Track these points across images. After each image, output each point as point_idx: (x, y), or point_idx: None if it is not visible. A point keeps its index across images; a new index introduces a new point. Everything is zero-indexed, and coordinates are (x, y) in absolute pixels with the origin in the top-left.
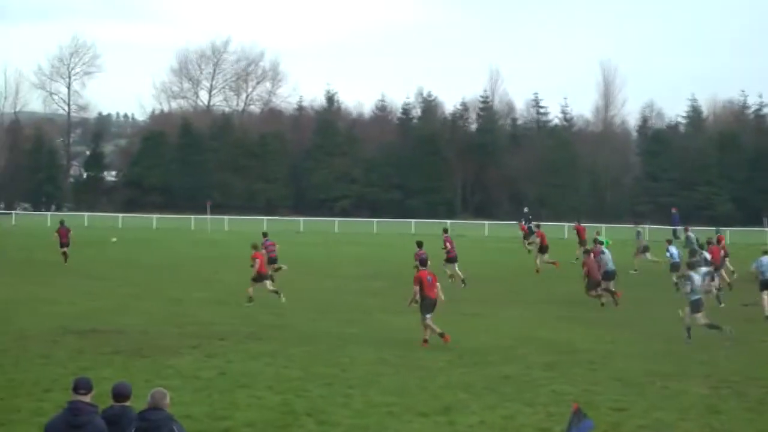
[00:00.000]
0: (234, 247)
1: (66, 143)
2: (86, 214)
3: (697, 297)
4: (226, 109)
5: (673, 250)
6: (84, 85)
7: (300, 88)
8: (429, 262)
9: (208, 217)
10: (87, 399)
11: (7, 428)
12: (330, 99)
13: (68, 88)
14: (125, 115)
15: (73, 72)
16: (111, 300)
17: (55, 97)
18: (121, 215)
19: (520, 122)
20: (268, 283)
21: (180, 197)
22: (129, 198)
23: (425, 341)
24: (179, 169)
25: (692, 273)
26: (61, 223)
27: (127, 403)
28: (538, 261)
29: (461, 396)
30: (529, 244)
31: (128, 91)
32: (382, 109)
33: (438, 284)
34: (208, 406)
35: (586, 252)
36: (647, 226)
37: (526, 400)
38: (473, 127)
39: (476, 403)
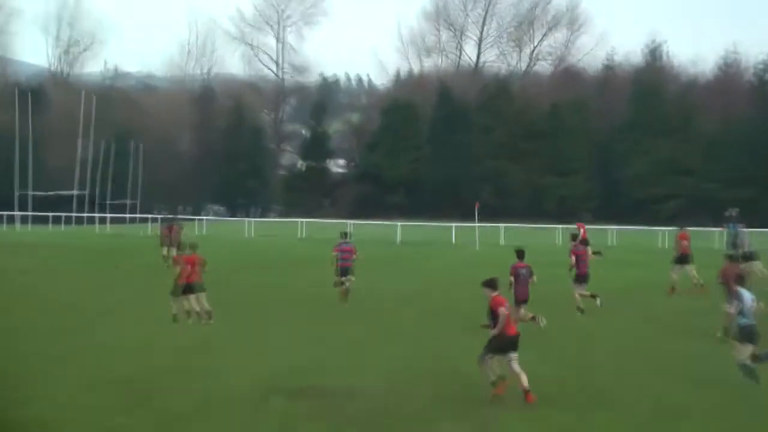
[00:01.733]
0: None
1: (276, 120)
2: (301, 220)
3: (747, 322)
4: (502, 70)
5: None
6: (302, 38)
7: (610, 38)
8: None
9: (477, 225)
10: None
11: None
12: (653, 53)
13: (280, 41)
14: (359, 79)
15: (286, 20)
16: (338, 345)
17: (261, 55)
18: (350, 222)
19: None
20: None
21: (432, 194)
22: (363, 196)
23: (498, 392)
24: (438, 154)
25: (741, 289)
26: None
27: None
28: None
29: None
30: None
31: (362, 45)
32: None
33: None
34: None
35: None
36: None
37: None
38: None
39: None
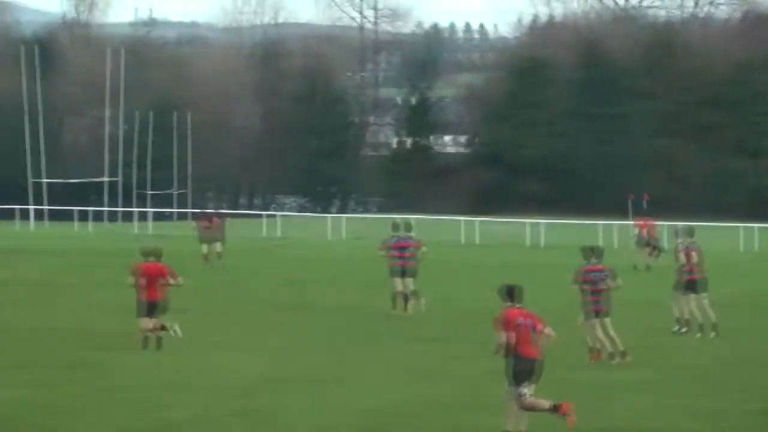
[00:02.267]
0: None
1: (360, 81)
2: (404, 216)
3: None
4: (667, 16)
5: None
6: None
7: None
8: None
9: (633, 222)
10: None
11: None
12: None
13: None
14: (480, 28)
15: None
16: (464, 379)
17: None
18: (477, 219)
19: None
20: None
21: (576, 182)
22: (486, 183)
23: None
24: (584, 130)
25: None
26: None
27: None
28: None
29: None
30: None
31: None
32: None
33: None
34: None
35: None
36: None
37: None
38: None
39: None
